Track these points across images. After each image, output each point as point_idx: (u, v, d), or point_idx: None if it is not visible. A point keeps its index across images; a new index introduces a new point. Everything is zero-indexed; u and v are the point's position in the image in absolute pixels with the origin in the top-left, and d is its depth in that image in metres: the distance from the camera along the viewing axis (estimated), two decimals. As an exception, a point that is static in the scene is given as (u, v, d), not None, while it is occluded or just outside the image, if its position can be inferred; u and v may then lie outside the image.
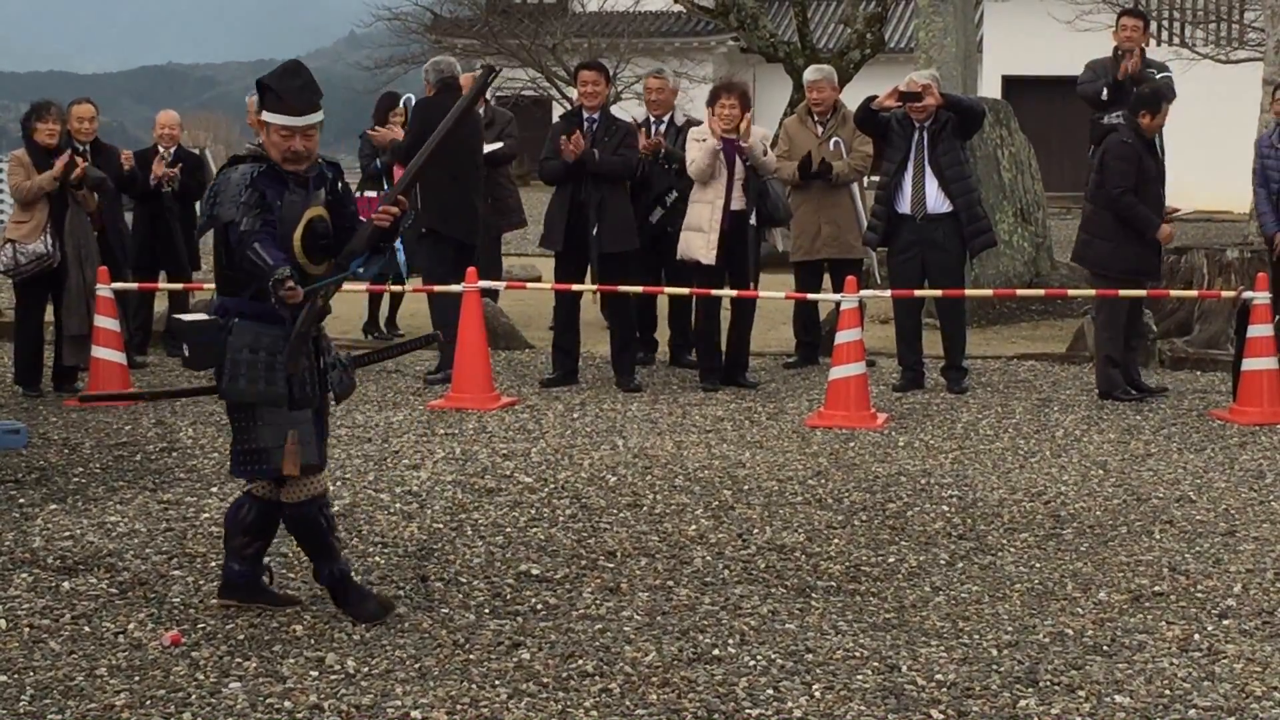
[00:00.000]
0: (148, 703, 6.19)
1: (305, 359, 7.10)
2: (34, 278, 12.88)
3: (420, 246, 14.04)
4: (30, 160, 12.88)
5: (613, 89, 17.81)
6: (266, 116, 7.14)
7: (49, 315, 13.32)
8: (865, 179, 14.64)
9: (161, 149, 15.02)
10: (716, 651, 6.83)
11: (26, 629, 7.03)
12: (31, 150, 12.96)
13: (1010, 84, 41.44)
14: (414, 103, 14.70)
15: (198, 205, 14.76)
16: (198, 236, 7.24)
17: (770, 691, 6.38)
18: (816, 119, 14.36)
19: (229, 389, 7.04)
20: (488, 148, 14.60)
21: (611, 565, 8.14)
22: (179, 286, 14.74)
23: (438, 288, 13.48)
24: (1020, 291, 16.06)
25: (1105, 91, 15.22)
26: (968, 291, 13.77)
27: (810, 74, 14.68)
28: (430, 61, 14.31)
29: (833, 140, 14.21)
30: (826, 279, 14.37)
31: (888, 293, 13.51)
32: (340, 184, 7.35)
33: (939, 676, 6.56)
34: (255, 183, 7.02)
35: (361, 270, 7.23)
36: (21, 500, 9.42)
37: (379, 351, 8.28)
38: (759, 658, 6.77)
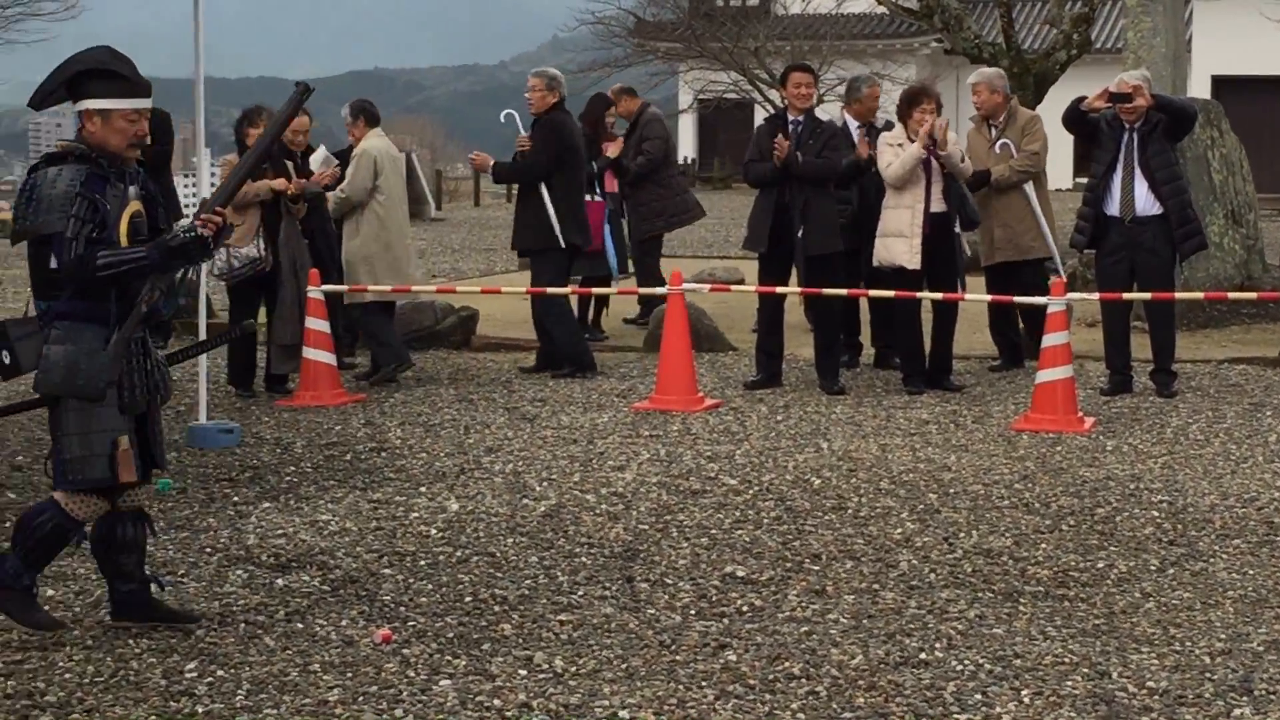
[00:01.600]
0: (360, 699, 6.29)
1: (133, 360, 6.90)
2: (246, 281, 13.09)
3: (539, 255, 14.26)
4: (242, 165, 13.09)
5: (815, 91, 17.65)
6: (108, 104, 6.84)
7: (260, 317, 13.53)
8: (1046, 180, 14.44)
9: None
10: (923, 655, 6.80)
11: (242, 624, 7.16)
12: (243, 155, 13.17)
13: (1220, 84, 40.84)
14: (518, 116, 14.70)
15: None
16: (13, 243, 6.76)
17: (978, 696, 6.33)
18: (990, 123, 14.26)
19: (43, 382, 6.74)
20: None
21: (817, 568, 8.13)
22: (386, 289, 14.93)
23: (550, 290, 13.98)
24: (1231, 295, 15.79)
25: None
26: (1177, 295, 13.57)
27: (971, 78, 14.56)
28: (555, 73, 14.47)
29: (1000, 143, 14.09)
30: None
31: (1095, 296, 13.35)
32: (148, 182, 7.12)
33: (1150, 684, 6.48)
34: (84, 190, 6.74)
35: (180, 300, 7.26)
36: (236, 498, 9.60)
37: (188, 349, 7.98)
38: (966, 662, 6.73)
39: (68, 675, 6.50)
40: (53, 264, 6.75)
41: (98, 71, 6.88)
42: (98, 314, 6.80)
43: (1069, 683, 6.48)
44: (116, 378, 6.79)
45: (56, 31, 36.47)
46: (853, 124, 14.30)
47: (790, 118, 13.38)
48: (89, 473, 6.81)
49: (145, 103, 6.95)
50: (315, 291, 12.91)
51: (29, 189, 6.83)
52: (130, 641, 6.90)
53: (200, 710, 6.16)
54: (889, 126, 14.05)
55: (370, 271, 13.56)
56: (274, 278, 13.06)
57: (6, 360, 6.82)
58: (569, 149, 14.09)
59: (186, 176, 33.39)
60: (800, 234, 13.08)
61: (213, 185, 14.21)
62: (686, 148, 60.99)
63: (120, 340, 6.78)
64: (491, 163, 14.51)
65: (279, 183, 13.02)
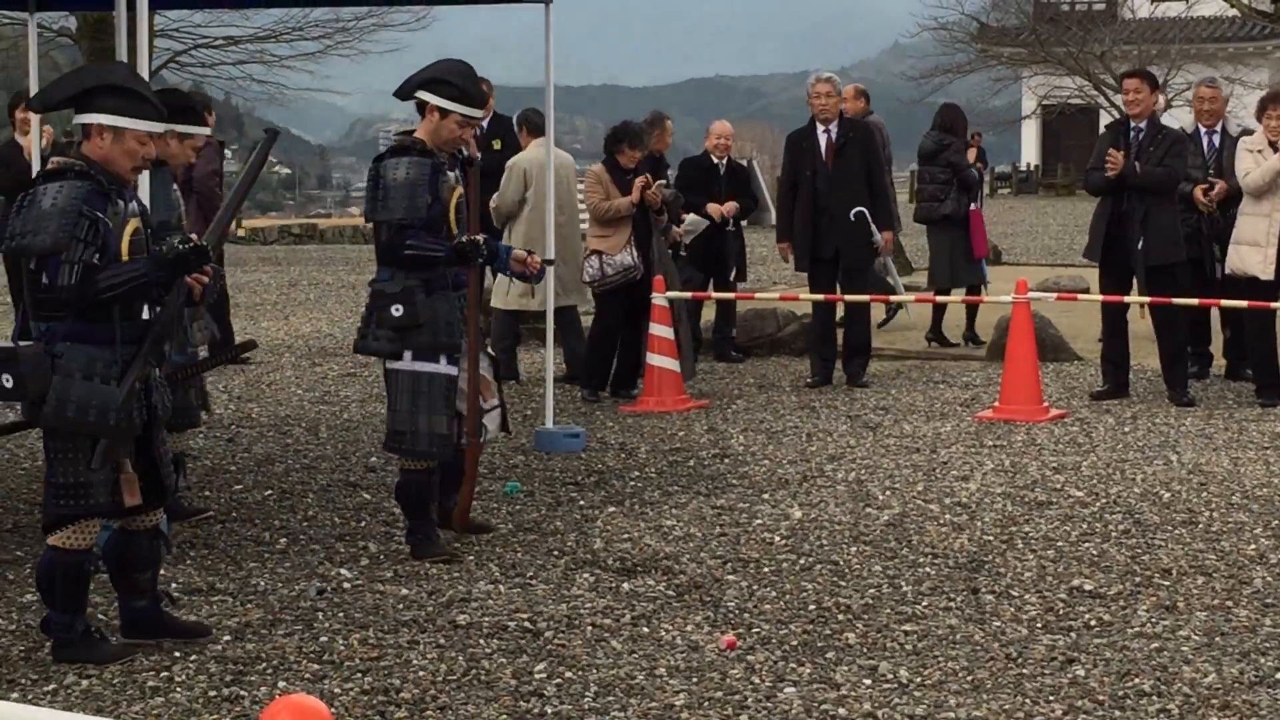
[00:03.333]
0: (705, 704, 6.33)
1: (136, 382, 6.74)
2: (616, 289, 13.22)
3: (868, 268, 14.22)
4: (610, 179, 13.26)
5: (1162, 96, 17.26)
6: (123, 122, 6.67)
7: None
8: None
9: (715, 159, 15.34)
10: None
11: (589, 628, 7.26)
12: (611, 169, 13.32)
13: None
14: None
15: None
16: (3, 254, 6.54)
17: (1338, 719, 6.16)
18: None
19: (54, 416, 6.61)
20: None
21: (1167, 583, 7.97)
22: (730, 296, 15.02)
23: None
24: None
25: None
26: None
27: None
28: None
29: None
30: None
31: None
32: (139, 199, 7.00)
33: None
34: (86, 209, 6.57)
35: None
36: (582, 502, 9.73)
37: (197, 364, 7.77)
38: (1325, 684, 6.54)
39: (421, 673, 6.65)
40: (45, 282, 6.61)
41: (116, 88, 6.75)
42: (101, 335, 6.66)
43: None
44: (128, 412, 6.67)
45: (408, 42, 37.25)
46: (1203, 129, 13.98)
47: (1132, 125, 13.10)
48: (89, 499, 6.69)
49: (158, 127, 6.84)
50: (660, 299, 13.02)
51: (24, 205, 6.66)
52: (481, 641, 7.04)
53: (549, 711, 6.26)
54: (1247, 133, 13.69)
55: (512, 282, 13.57)
56: (642, 288, 13.13)
57: (8, 384, 6.62)
58: None
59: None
60: (1140, 244, 12.80)
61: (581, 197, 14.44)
62: (1029, 154, 60.33)
63: (131, 379, 6.66)
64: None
65: (641, 180, 13.12)
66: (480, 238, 8.48)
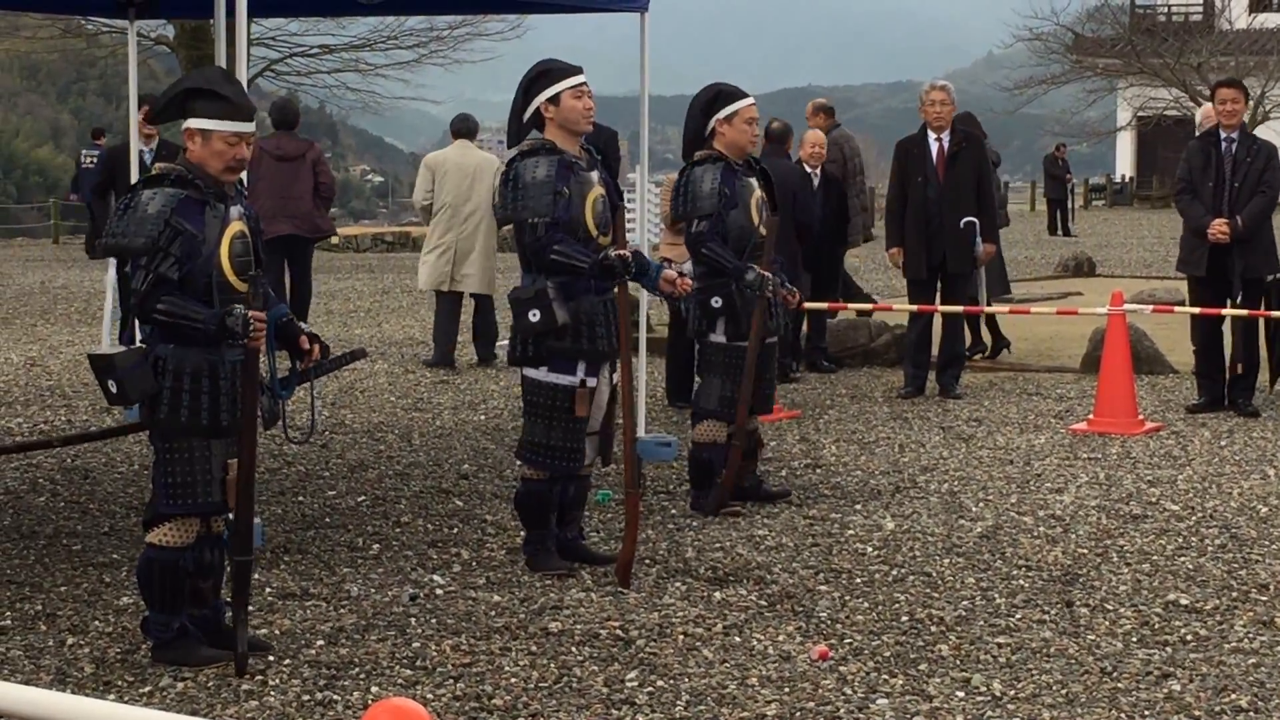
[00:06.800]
0: (797, 714, 6.31)
1: (234, 382, 6.74)
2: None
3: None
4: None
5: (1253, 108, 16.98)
6: (209, 124, 6.68)
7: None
8: None
9: (808, 168, 15.31)
10: (1379, 693, 6.56)
11: (681, 636, 7.25)
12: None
13: None
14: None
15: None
16: (91, 256, 6.34)
17: None
18: None
19: (168, 421, 6.67)
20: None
21: (1264, 599, 7.89)
22: (823, 306, 14.98)
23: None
24: None
25: None
26: None
27: None
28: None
29: None
30: None
31: None
32: (251, 208, 7.02)
33: None
34: (174, 217, 6.61)
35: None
36: (674, 511, 9.72)
37: (305, 371, 7.81)
38: None
39: (514, 679, 6.66)
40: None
41: (203, 91, 6.77)
42: (202, 335, 6.66)
43: None
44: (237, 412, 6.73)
45: (501, 51, 37.40)
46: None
47: (1223, 136, 12.96)
48: (198, 497, 6.74)
49: (246, 126, 6.79)
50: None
51: (123, 208, 6.72)
52: (573, 649, 7.05)
53: (641, 719, 6.26)
54: None
55: (422, 269, 15.71)
56: None
57: (114, 390, 6.65)
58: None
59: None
60: (1237, 258, 12.68)
61: (650, 204, 14.43)
62: (1124, 165, 59.95)
63: (251, 392, 6.70)
64: None
65: None
66: (628, 253, 8.26)
